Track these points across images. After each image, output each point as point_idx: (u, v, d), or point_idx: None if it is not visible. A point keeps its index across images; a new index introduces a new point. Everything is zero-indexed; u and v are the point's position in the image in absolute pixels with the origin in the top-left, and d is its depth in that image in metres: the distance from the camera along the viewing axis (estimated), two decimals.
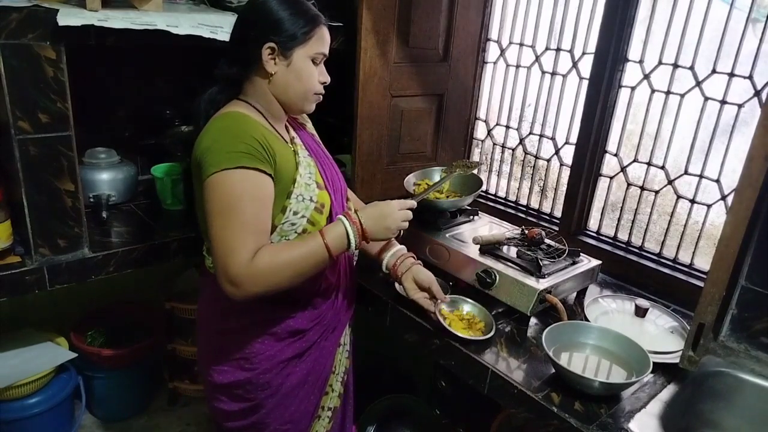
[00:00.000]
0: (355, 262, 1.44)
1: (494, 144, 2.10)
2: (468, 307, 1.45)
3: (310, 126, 1.46)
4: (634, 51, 1.63)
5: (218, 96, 1.23)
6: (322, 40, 1.23)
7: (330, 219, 1.27)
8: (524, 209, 2.02)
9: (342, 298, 1.38)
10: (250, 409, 1.30)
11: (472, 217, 1.81)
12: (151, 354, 2.16)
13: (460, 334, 1.33)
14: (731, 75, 1.44)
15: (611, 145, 1.73)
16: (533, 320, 1.45)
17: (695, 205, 1.58)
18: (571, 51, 1.78)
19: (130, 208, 1.90)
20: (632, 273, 1.69)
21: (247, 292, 1.09)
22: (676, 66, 1.55)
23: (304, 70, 1.22)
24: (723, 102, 1.47)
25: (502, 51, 1.99)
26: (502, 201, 2.09)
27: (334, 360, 1.39)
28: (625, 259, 1.71)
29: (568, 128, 1.84)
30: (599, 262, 1.59)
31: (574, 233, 1.81)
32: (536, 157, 1.97)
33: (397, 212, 1.25)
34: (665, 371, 1.27)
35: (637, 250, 1.72)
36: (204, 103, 1.22)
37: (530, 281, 1.42)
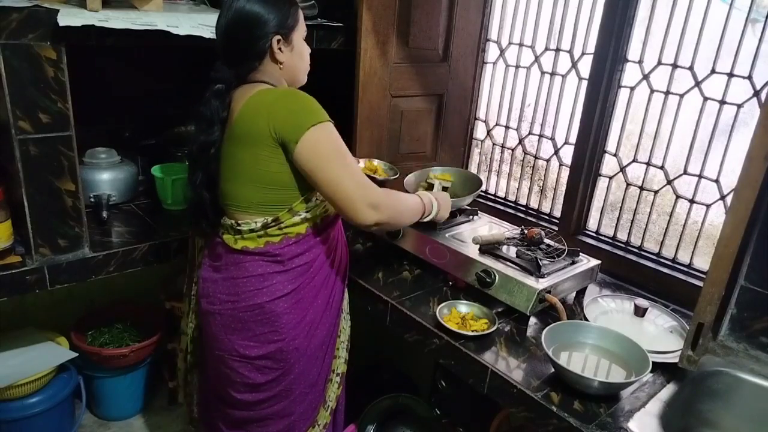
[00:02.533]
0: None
1: (494, 144, 2.11)
2: (465, 307, 1.46)
3: None
4: (633, 51, 1.63)
5: (226, 96, 1.28)
6: (302, 18, 1.35)
7: None
8: (524, 209, 2.02)
9: (343, 267, 1.48)
10: (280, 377, 1.36)
11: (471, 217, 1.81)
12: (151, 354, 2.16)
13: (462, 332, 1.34)
14: (730, 75, 1.44)
15: (610, 145, 1.73)
16: (533, 320, 1.45)
17: (694, 205, 1.58)
18: (570, 51, 1.78)
19: (130, 208, 1.90)
20: (631, 273, 1.69)
21: (383, 216, 1.26)
22: (675, 66, 1.55)
23: (303, 49, 1.37)
24: (722, 102, 1.47)
25: (502, 51, 2.00)
26: (502, 201, 2.09)
27: (339, 325, 1.49)
28: (624, 258, 1.71)
29: (567, 128, 1.84)
30: (598, 261, 1.59)
31: (573, 233, 1.82)
32: (536, 157, 1.97)
33: (448, 200, 1.59)
34: (664, 371, 1.27)
35: (636, 250, 1.72)
36: (214, 104, 1.27)
37: (530, 281, 1.42)
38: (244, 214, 1.30)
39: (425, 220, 1.50)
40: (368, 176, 1.52)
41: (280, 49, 1.28)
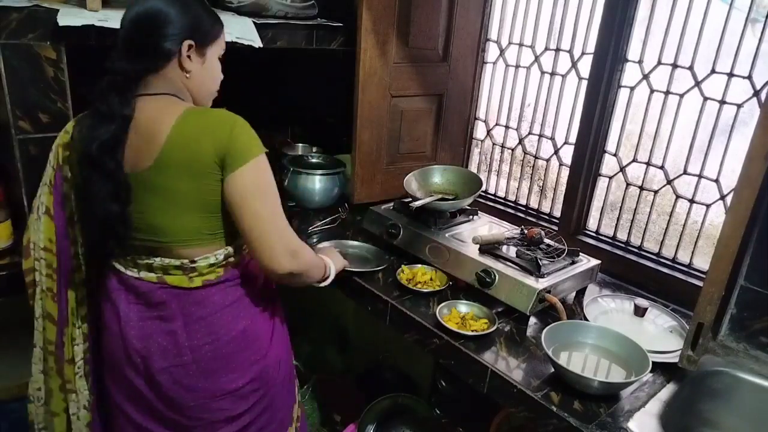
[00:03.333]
0: None
1: (494, 144, 2.11)
2: (465, 307, 1.46)
3: None
4: (633, 51, 1.63)
5: (128, 92, 1.14)
6: (224, 39, 1.28)
7: None
8: (524, 209, 2.02)
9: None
10: (263, 396, 1.31)
11: (471, 217, 1.81)
12: None
13: (462, 331, 1.34)
14: (730, 75, 1.44)
15: (610, 145, 1.73)
16: (532, 320, 1.45)
17: (694, 204, 1.58)
18: (570, 51, 1.78)
19: None
20: (631, 272, 1.69)
21: (299, 266, 1.20)
22: (675, 66, 1.55)
23: (216, 68, 1.27)
24: (722, 102, 1.47)
25: (502, 51, 2.00)
26: (502, 201, 2.09)
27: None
28: (624, 258, 1.71)
29: (567, 128, 1.84)
30: (598, 261, 1.59)
31: (573, 233, 1.82)
32: (536, 157, 1.97)
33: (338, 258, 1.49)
34: (664, 370, 1.27)
35: (636, 250, 1.72)
36: (113, 99, 1.12)
37: (529, 281, 1.42)
38: (196, 248, 1.19)
39: (320, 284, 1.40)
40: (412, 289, 1.52)
41: (189, 56, 1.18)
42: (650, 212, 1.68)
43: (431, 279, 1.59)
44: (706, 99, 1.51)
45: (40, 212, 1.27)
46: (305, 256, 1.24)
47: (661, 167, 1.63)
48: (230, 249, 1.22)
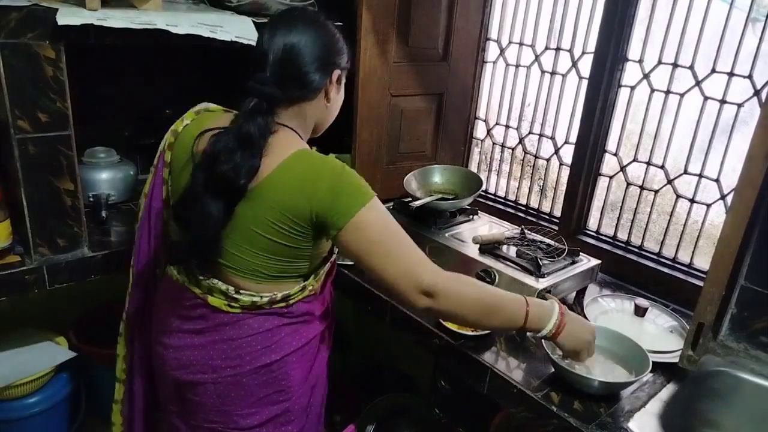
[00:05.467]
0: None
1: (494, 143, 2.10)
2: None
3: None
4: (633, 50, 1.63)
5: (270, 119, 1.09)
6: None
7: None
8: (524, 209, 2.02)
9: (332, 314, 1.36)
10: None
11: (471, 216, 1.81)
12: None
13: (462, 331, 1.34)
14: (731, 74, 1.44)
15: (611, 145, 1.73)
16: None
17: (695, 204, 1.58)
18: (570, 50, 1.78)
19: (129, 207, 1.90)
20: (632, 272, 1.69)
21: (438, 304, 1.08)
22: (675, 65, 1.55)
23: (342, 97, 1.24)
24: (722, 101, 1.47)
25: (502, 50, 1.99)
26: (502, 200, 2.09)
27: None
28: (624, 258, 1.71)
29: (567, 128, 1.84)
30: (599, 261, 1.59)
31: (573, 233, 1.82)
32: (536, 157, 1.97)
33: (593, 344, 1.23)
34: (665, 370, 1.27)
35: (636, 250, 1.72)
36: (260, 123, 1.06)
37: (530, 280, 1.42)
38: (247, 282, 1.13)
39: (534, 334, 1.18)
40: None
41: (334, 86, 1.17)
42: (651, 212, 1.67)
43: None
44: (706, 98, 1.50)
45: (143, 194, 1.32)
46: (449, 294, 1.09)
47: (662, 167, 1.63)
48: (277, 295, 1.14)
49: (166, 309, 1.23)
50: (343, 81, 1.22)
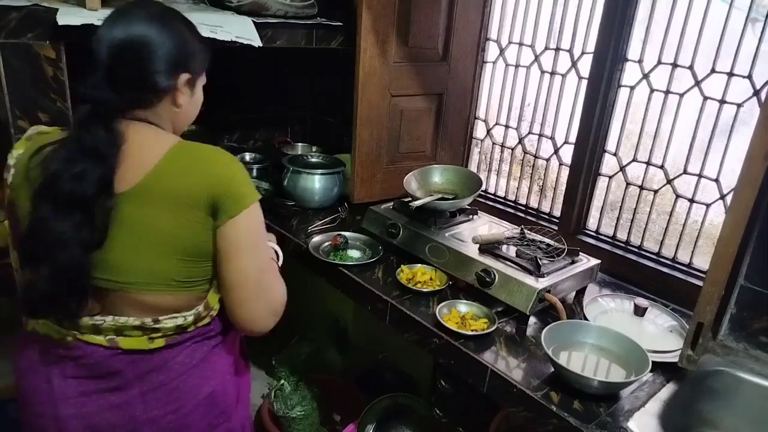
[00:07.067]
0: None
1: (493, 143, 2.10)
2: (465, 307, 1.46)
3: None
4: (633, 50, 1.63)
5: (112, 126, 0.98)
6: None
7: None
8: (523, 209, 2.02)
9: None
10: None
11: (471, 216, 1.81)
12: None
13: (462, 331, 1.34)
14: (730, 74, 1.44)
15: (610, 145, 1.73)
16: (532, 319, 1.45)
17: (694, 204, 1.58)
18: (570, 50, 1.78)
19: None
20: (631, 272, 1.69)
21: (278, 317, 1.11)
22: (675, 65, 1.55)
23: (199, 101, 1.14)
24: (722, 101, 1.47)
25: (502, 50, 1.99)
26: (502, 200, 2.09)
27: None
28: (624, 258, 1.71)
29: (567, 128, 1.84)
30: (598, 261, 1.59)
31: (573, 232, 1.82)
32: (535, 157, 1.97)
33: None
34: (664, 370, 1.27)
35: (636, 250, 1.72)
36: (100, 134, 0.95)
37: (529, 280, 1.42)
38: (161, 295, 1.00)
39: None
40: (412, 289, 1.48)
41: (182, 91, 1.05)
42: (650, 212, 1.68)
43: (431, 279, 1.58)
44: (706, 98, 1.50)
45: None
46: (283, 304, 1.12)
47: (661, 167, 1.63)
48: (200, 309, 1.05)
49: (58, 378, 1.02)
50: (199, 86, 1.11)
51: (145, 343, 1.00)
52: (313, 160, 2.12)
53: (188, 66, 1.05)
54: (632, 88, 1.64)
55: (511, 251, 1.56)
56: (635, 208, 1.71)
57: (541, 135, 1.94)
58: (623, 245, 1.75)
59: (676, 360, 1.24)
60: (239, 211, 1.00)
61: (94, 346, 0.99)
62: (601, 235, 1.81)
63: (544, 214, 1.97)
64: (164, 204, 0.98)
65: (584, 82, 1.73)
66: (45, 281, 0.93)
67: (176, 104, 1.06)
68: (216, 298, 1.07)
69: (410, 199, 1.76)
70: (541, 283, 1.41)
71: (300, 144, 2.43)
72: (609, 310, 1.50)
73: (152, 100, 1.03)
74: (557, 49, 1.82)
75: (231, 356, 1.16)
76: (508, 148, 2.06)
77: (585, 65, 1.73)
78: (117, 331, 0.99)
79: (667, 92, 1.58)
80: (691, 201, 1.58)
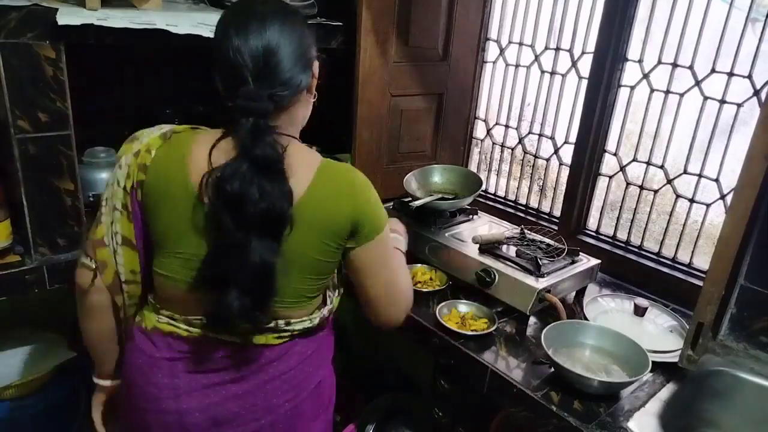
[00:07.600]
0: None
1: (494, 143, 2.10)
2: (465, 307, 1.46)
3: None
4: (633, 50, 1.63)
5: (275, 138, 0.96)
6: None
7: None
8: (523, 208, 2.02)
9: None
10: None
11: (471, 216, 1.81)
12: None
13: (462, 331, 1.34)
14: (730, 74, 1.44)
15: (610, 145, 1.73)
16: (532, 319, 1.45)
17: (694, 204, 1.58)
18: (570, 50, 1.78)
19: None
20: (631, 272, 1.69)
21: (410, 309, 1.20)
22: (675, 65, 1.55)
23: None
24: (722, 101, 1.47)
25: (502, 50, 1.99)
26: (502, 200, 2.09)
27: None
28: (624, 258, 1.71)
29: (567, 127, 1.84)
30: (598, 261, 1.59)
31: (573, 232, 1.82)
32: (536, 157, 1.97)
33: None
34: (664, 370, 1.27)
35: (636, 250, 1.72)
36: (273, 151, 0.95)
37: (529, 280, 1.42)
38: (295, 311, 1.06)
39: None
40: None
41: (316, 78, 1.06)
42: (650, 212, 1.68)
43: (431, 278, 1.58)
44: (706, 98, 1.50)
45: (116, 242, 1.09)
46: (412, 295, 1.19)
47: (661, 167, 1.63)
48: (324, 313, 1.12)
49: (183, 373, 1.05)
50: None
51: (272, 339, 1.06)
52: None
53: (315, 54, 1.06)
54: (632, 88, 1.64)
55: (511, 251, 1.56)
56: (635, 208, 1.71)
57: (541, 135, 1.94)
58: (623, 245, 1.75)
59: (676, 360, 1.24)
60: (378, 234, 1.07)
61: (226, 343, 1.04)
62: (601, 235, 1.81)
63: (544, 214, 1.96)
64: (312, 230, 1.01)
65: (584, 82, 1.73)
66: (236, 300, 0.95)
67: (311, 92, 1.07)
68: (338, 301, 1.17)
69: (410, 199, 1.76)
70: (541, 283, 1.41)
71: None
72: (609, 310, 1.50)
73: (299, 98, 1.03)
74: (557, 49, 1.82)
75: (332, 348, 1.22)
76: (508, 148, 2.06)
77: (585, 65, 1.73)
78: (251, 332, 1.04)
79: (667, 92, 1.58)
80: (691, 201, 1.58)
